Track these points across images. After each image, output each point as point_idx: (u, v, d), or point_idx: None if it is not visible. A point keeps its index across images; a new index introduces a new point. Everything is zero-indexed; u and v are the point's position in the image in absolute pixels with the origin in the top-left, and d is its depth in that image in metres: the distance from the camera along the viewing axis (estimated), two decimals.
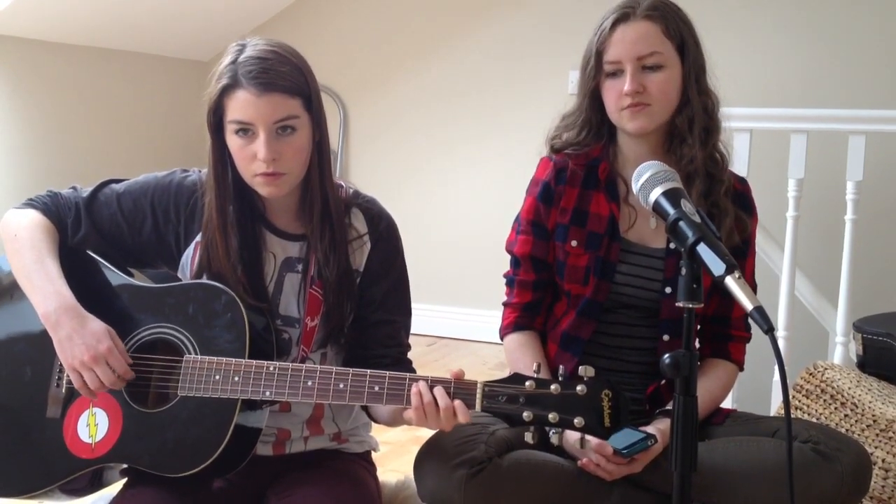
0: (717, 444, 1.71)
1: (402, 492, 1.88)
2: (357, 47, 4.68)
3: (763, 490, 1.63)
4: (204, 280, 1.61)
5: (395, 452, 2.59)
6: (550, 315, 1.87)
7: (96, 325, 1.52)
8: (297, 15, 4.74)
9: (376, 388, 1.47)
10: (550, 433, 1.42)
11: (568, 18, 4.09)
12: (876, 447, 2.16)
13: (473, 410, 1.44)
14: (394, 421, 1.61)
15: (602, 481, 1.65)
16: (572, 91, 1.86)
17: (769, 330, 1.15)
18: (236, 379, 1.50)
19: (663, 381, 1.77)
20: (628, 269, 1.78)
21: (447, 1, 4.50)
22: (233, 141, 1.55)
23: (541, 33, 4.27)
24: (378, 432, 1.82)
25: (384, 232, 1.69)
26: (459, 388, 1.45)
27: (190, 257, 1.65)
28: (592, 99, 1.79)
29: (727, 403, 2.23)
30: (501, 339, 1.89)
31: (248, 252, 1.63)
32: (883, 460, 2.14)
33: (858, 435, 2.20)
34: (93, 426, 1.55)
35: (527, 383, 1.41)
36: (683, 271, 1.25)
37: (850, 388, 2.30)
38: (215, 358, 1.52)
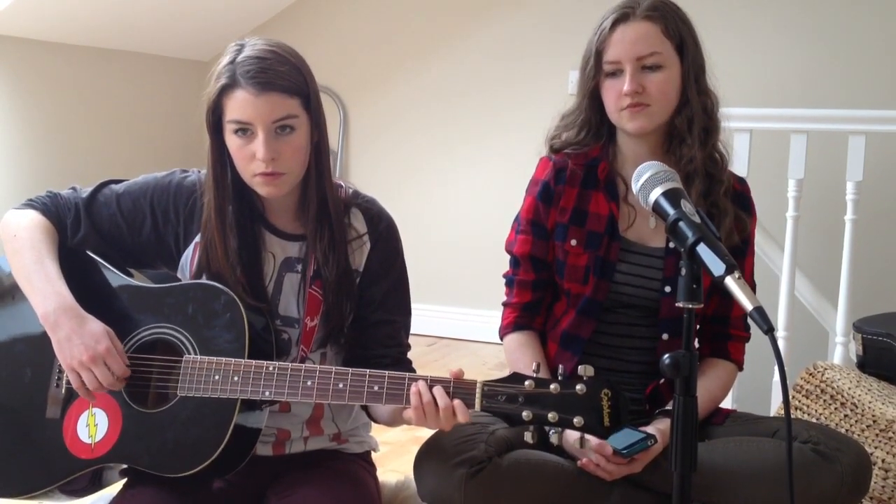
0: (716, 444, 1.71)
1: (402, 492, 1.88)
2: (357, 47, 4.68)
3: (763, 490, 1.63)
4: (203, 280, 1.61)
5: (394, 452, 2.59)
6: (550, 315, 1.87)
7: (95, 325, 1.52)
8: (297, 15, 4.74)
9: (375, 388, 1.47)
10: (550, 433, 1.42)
11: (568, 18, 4.09)
12: (876, 447, 2.16)
13: (473, 410, 1.44)
14: (393, 421, 1.61)
15: (602, 481, 1.65)
16: (572, 91, 1.86)
17: (769, 330, 1.15)
18: (236, 379, 1.50)
19: (662, 381, 1.78)
20: (628, 268, 1.78)
21: (447, 1, 4.50)
22: (232, 141, 1.55)
23: (541, 33, 4.27)
24: (378, 432, 1.82)
25: (384, 232, 1.69)
26: (459, 387, 1.45)
27: (189, 257, 1.65)
28: (592, 99, 1.79)
29: (727, 403, 2.24)
30: (501, 339, 1.89)
31: (247, 252, 1.63)
32: (883, 460, 2.14)
33: (858, 435, 2.20)
34: (92, 426, 1.55)
35: (526, 383, 1.41)
36: (683, 272, 1.25)
37: (850, 389, 2.30)
38: (215, 358, 1.52)
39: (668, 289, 1.75)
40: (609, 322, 1.80)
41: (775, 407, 2.80)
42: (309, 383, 1.49)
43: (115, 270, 1.64)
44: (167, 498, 1.54)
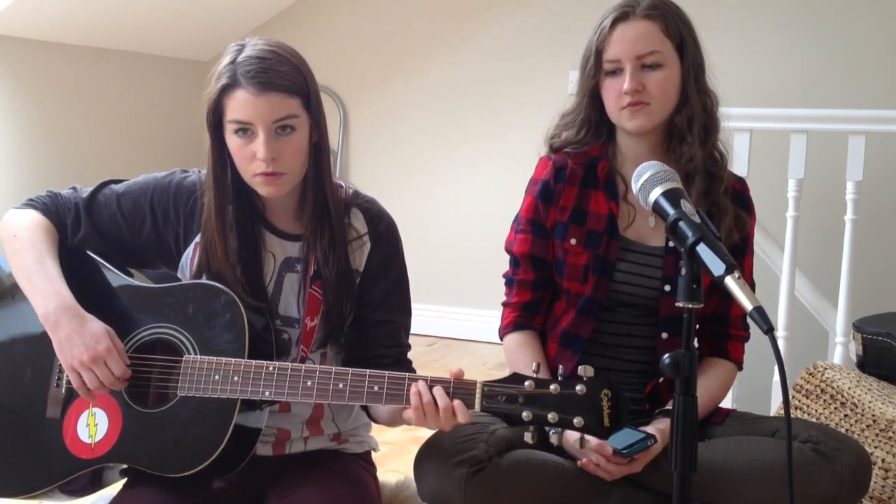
0: (716, 443, 1.71)
1: (402, 492, 1.88)
2: (357, 47, 4.68)
3: (763, 490, 1.63)
4: (203, 280, 1.61)
5: (395, 452, 2.59)
6: (550, 314, 1.87)
7: (96, 325, 1.52)
8: (297, 15, 4.74)
9: (375, 388, 1.47)
10: (550, 433, 1.42)
11: (568, 18, 4.09)
12: (876, 447, 2.16)
13: (473, 410, 1.44)
14: (393, 421, 1.61)
15: (602, 481, 1.65)
16: (572, 91, 1.86)
17: (769, 330, 1.15)
18: (236, 379, 1.50)
19: (661, 380, 1.78)
20: (627, 267, 1.78)
21: (447, 1, 4.50)
22: (232, 141, 1.55)
23: (541, 33, 4.27)
24: (378, 432, 1.82)
25: (384, 232, 1.69)
26: (459, 387, 1.45)
27: (189, 257, 1.65)
28: (592, 98, 1.79)
29: (727, 403, 2.24)
30: (501, 338, 1.89)
31: (247, 252, 1.63)
32: (883, 460, 2.14)
33: (858, 435, 2.20)
34: (92, 426, 1.55)
35: (526, 383, 1.41)
36: (683, 271, 1.25)
37: (849, 388, 2.30)
38: (215, 358, 1.52)
39: (667, 288, 1.75)
40: (609, 321, 1.80)
41: (775, 407, 2.80)
42: (309, 383, 1.49)
43: (115, 270, 1.64)
44: (167, 498, 1.54)
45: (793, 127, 2.96)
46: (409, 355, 1.71)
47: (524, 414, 1.40)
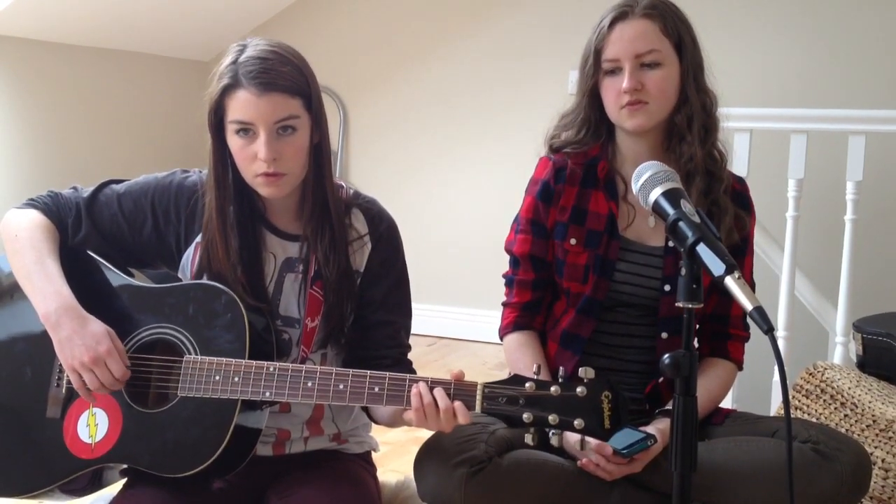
0: (716, 444, 1.71)
1: (402, 492, 1.88)
2: (357, 47, 4.68)
3: (763, 490, 1.63)
4: (204, 280, 1.61)
5: (395, 452, 2.59)
6: (550, 314, 1.87)
7: (96, 326, 1.52)
8: (297, 15, 4.74)
9: (376, 389, 1.47)
10: (550, 434, 1.42)
11: (568, 18, 4.09)
12: (876, 447, 2.16)
13: (473, 412, 1.44)
14: (394, 422, 1.61)
15: (602, 481, 1.65)
16: (572, 91, 1.87)
17: (769, 330, 1.15)
18: (236, 379, 1.50)
19: (661, 379, 1.78)
20: (627, 266, 1.78)
21: (447, 1, 4.50)
22: (233, 141, 1.55)
23: (541, 33, 4.27)
24: (378, 432, 1.82)
25: (385, 232, 1.69)
26: (459, 389, 1.45)
27: (190, 258, 1.65)
28: (591, 98, 1.79)
29: (727, 403, 2.24)
30: (501, 339, 1.89)
31: (247, 252, 1.63)
32: (883, 460, 2.14)
33: (858, 435, 2.20)
34: (93, 426, 1.55)
35: (527, 385, 1.41)
36: (683, 271, 1.25)
37: (849, 388, 2.30)
38: (215, 358, 1.52)
39: (667, 287, 1.76)
40: (609, 321, 1.80)
41: (775, 407, 2.80)
42: (309, 384, 1.49)
43: (115, 270, 1.64)
44: (167, 498, 1.54)
45: (793, 127, 2.96)
46: (409, 355, 1.71)
47: (525, 415, 1.40)
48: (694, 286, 1.25)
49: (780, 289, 2.95)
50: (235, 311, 1.54)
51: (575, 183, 1.81)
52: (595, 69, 1.76)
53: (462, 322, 4.41)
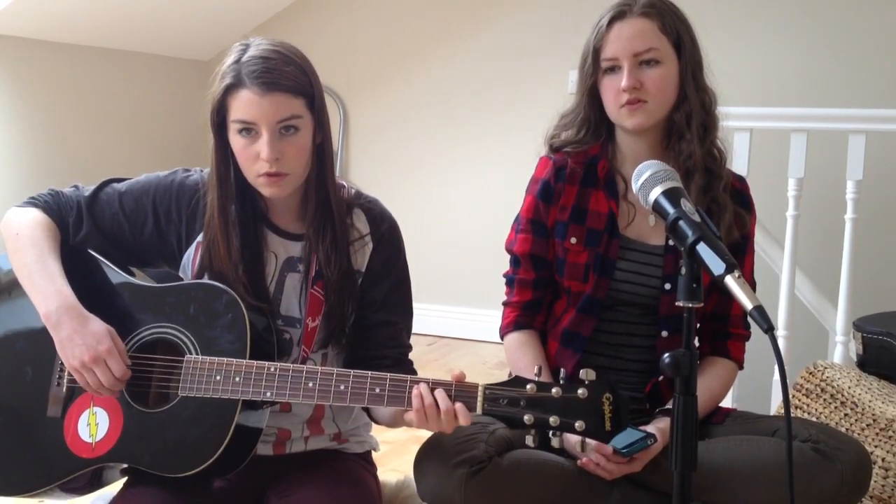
0: (717, 443, 1.71)
1: (402, 491, 1.88)
2: (357, 47, 4.68)
3: (763, 489, 1.63)
4: (205, 280, 1.61)
5: (395, 452, 2.59)
6: (551, 313, 1.87)
7: (97, 325, 1.52)
8: (297, 15, 4.74)
9: (377, 390, 1.47)
10: (551, 435, 1.42)
11: (568, 18, 4.09)
12: (876, 446, 2.16)
13: (474, 413, 1.44)
14: (394, 422, 1.61)
15: (602, 481, 1.65)
16: (572, 91, 1.87)
17: (769, 329, 1.15)
18: (237, 379, 1.50)
19: (661, 378, 1.78)
20: (627, 265, 1.78)
21: (447, 1, 4.50)
22: (236, 141, 1.55)
23: (541, 33, 4.27)
24: (378, 432, 1.82)
25: (386, 233, 1.69)
26: (460, 390, 1.45)
27: (191, 257, 1.65)
28: (591, 97, 1.79)
29: (727, 402, 2.24)
30: (501, 338, 1.90)
31: (249, 252, 1.63)
32: (883, 459, 2.14)
33: (858, 434, 2.20)
34: (93, 425, 1.56)
35: (528, 386, 1.41)
36: (683, 270, 1.25)
37: (849, 388, 2.30)
38: (216, 358, 1.52)
39: (667, 286, 1.76)
40: (609, 320, 1.80)
41: (775, 406, 2.80)
42: (310, 385, 1.49)
43: (116, 269, 1.64)
44: (168, 497, 1.54)
45: (793, 126, 2.96)
46: (410, 355, 1.72)
47: (526, 417, 1.40)
48: (694, 285, 1.25)
49: (780, 288, 2.95)
50: (236, 311, 1.54)
51: (575, 182, 1.82)
52: (594, 68, 1.76)
53: (462, 321, 4.41)
